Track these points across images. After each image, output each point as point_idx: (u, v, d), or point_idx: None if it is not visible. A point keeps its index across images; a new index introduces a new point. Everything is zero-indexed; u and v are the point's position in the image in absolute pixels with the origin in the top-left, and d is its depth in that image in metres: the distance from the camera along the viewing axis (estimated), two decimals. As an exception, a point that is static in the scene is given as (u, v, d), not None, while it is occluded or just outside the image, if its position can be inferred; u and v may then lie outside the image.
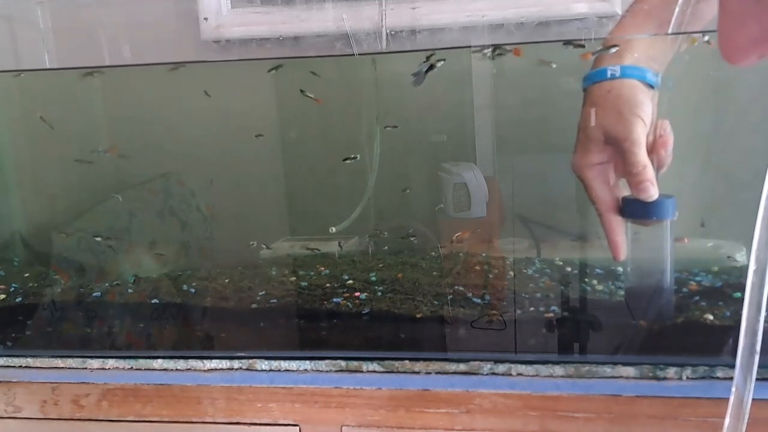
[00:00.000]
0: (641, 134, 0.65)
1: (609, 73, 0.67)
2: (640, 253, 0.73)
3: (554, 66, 0.88)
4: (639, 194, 0.66)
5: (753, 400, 0.69)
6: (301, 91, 1.00)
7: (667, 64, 0.70)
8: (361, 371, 0.79)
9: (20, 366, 0.86)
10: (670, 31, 0.68)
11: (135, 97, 1.15)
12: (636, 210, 0.68)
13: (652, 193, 0.66)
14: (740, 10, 0.33)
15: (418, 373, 0.78)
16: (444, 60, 0.87)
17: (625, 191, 0.70)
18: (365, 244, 1.09)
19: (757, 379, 0.71)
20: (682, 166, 1.01)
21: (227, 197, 1.19)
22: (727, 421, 0.52)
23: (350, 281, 0.96)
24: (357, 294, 0.92)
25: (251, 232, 1.16)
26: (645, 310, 0.78)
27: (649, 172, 0.66)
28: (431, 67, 0.90)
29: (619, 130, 0.65)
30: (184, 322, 0.95)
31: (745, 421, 0.53)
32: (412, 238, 1.07)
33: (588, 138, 0.68)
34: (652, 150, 0.67)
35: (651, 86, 0.68)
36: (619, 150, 0.66)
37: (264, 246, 1.11)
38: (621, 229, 0.70)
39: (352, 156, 1.04)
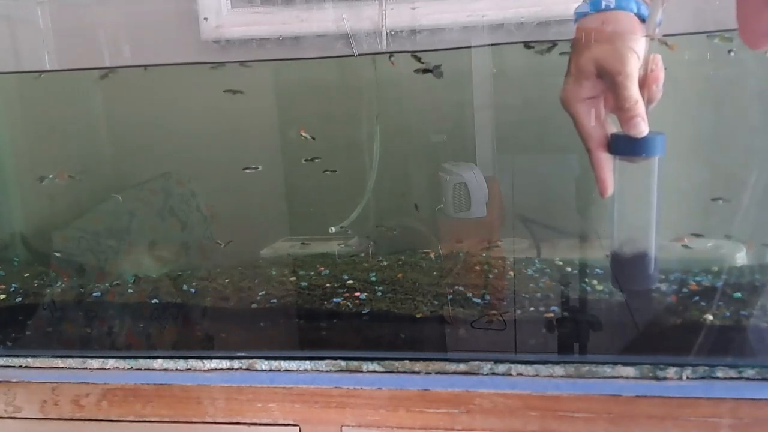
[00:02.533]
0: (634, 68, 0.64)
1: (604, 3, 0.65)
2: (627, 195, 0.71)
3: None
4: (629, 130, 0.64)
5: (753, 400, 0.70)
6: (302, 134, 1.01)
7: None
8: (361, 371, 0.79)
9: (20, 366, 0.86)
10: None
11: (135, 97, 1.15)
12: (625, 146, 0.66)
13: (643, 128, 0.64)
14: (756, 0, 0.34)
15: (418, 373, 0.78)
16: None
17: (613, 128, 0.68)
18: (365, 245, 1.09)
19: (756, 379, 0.72)
20: (683, 166, 1.02)
21: (227, 197, 1.18)
22: None
23: (350, 281, 0.96)
24: (357, 294, 0.92)
25: (251, 232, 1.16)
26: (629, 270, 0.75)
27: (641, 108, 0.64)
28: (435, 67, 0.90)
29: (613, 63, 0.64)
30: (184, 322, 0.95)
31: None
32: (395, 232, 1.07)
33: (580, 71, 0.66)
34: (643, 85, 0.65)
35: (644, 20, 0.67)
36: (611, 84, 0.65)
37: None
38: (609, 166, 0.68)
39: (315, 157, 1.04)
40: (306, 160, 1.04)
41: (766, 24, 0.34)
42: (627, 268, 0.73)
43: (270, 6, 1.10)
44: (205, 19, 1.11)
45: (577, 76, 0.66)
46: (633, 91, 0.63)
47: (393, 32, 0.92)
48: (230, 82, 1.09)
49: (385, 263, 1.03)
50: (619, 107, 0.64)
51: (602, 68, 0.64)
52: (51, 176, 1.12)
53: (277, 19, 1.09)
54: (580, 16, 0.68)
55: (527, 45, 0.94)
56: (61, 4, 1.10)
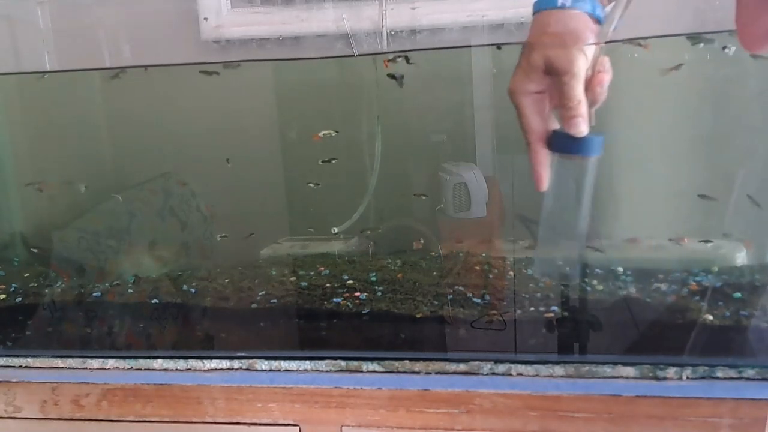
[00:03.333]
0: (582, 69, 0.65)
1: (560, 2, 0.66)
2: (564, 189, 0.72)
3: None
4: (570, 129, 0.66)
5: (753, 400, 0.69)
6: (320, 136, 1.02)
7: None
8: (361, 371, 0.79)
9: (20, 366, 0.86)
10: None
11: (135, 97, 1.15)
12: (564, 144, 0.67)
13: (583, 129, 0.65)
14: (756, 3, 0.34)
15: (418, 373, 0.78)
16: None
17: (556, 124, 0.69)
18: (365, 244, 1.09)
19: (756, 379, 0.72)
20: (683, 165, 1.02)
21: (227, 197, 1.18)
22: None
23: (350, 281, 0.96)
24: (357, 294, 0.92)
25: (251, 232, 1.16)
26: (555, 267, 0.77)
27: (583, 108, 0.65)
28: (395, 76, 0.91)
29: (562, 63, 0.65)
30: (184, 322, 0.95)
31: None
32: (379, 230, 1.07)
33: (529, 65, 0.67)
34: (588, 85, 0.66)
35: (598, 20, 0.68)
36: (557, 82, 0.66)
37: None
38: (546, 162, 0.69)
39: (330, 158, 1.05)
40: (323, 161, 1.04)
41: (764, 27, 0.35)
42: (553, 263, 0.75)
43: (270, 6, 1.10)
44: (205, 19, 1.11)
45: (527, 70, 0.67)
46: (578, 91, 0.65)
47: (393, 32, 0.92)
48: (230, 82, 1.09)
49: (388, 262, 1.03)
50: (563, 106, 0.65)
51: (551, 66, 0.65)
52: (36, 184, 1.13)
53: (277, 19, 1.09)
54: (537, 9, 0.69)
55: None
56: (61, 4, 1.10)
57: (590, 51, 0.66)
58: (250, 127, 1.14)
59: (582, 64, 0.64)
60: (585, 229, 0.74)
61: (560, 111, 0.66)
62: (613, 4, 0.68)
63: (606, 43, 0.67)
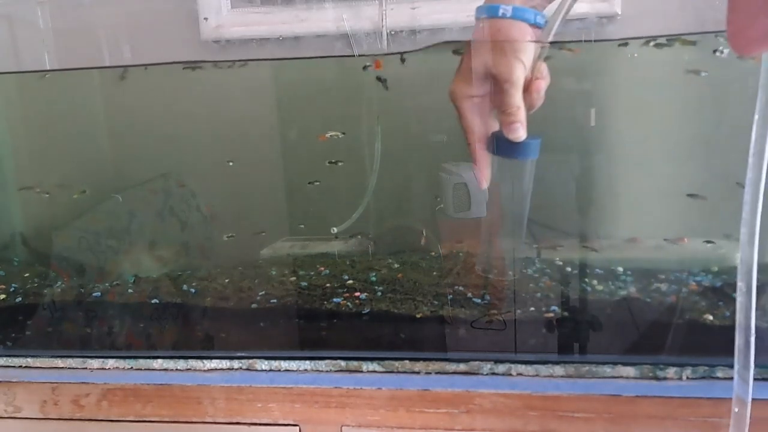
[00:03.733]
0: (520, 77, 0.68)
1: (501, 11, 0.68)
2: (502, 188, 0.77)
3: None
4: (508, 134, 0.69)
5: (753, 400, 0.69)
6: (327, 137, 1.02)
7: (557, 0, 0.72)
8: (361, 371, 0.79)
9: (20, 366, 0.86)
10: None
11: (134, 97, 1.15)
12: (503, 147, 0.71)
13: (521, 134, 0.68)
14: (751, 6, 0.34)
15: (418, 373, 0.78)
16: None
17: (497, 125, 0.72)
18: (366, 244, 1.09)
19: (756, 380, 0.72)
20: (683, 165, 1.01)
21: (227, 197, 1.18)
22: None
23: (350, 281, 0.96)
24: (357, 294, 0.92)
25: (251, 232, 1.16)
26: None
27: (521, 114, 0.68)
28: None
29: (501, 71, 0.67)
30: (184, 322, 0.95)
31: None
32: (358, 237, 1.08)
33: (470, 70, 0.70)
34: (526, 90, 0.69)
35: (538, 27, 0.70)
36: (497, 89, 0.69)
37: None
38: (487, 161, 0.72)
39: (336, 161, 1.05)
40: (330, 162, 1.05)
41: (758, 31, 0.35)
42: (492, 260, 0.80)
43: (270, 6, 1.10)
44: (205, 19, 1.11)
45: (467, 75, 0.70)
46: (516, 98, 0.68)
47: (393, 32, 0.92)
48: (229, 81, 1.09)
49: (389, 261, 1.03)
50: (502, 111, 0.69)
51: (491, 72, 0.68)
52: (31, 188, 1.13)
53: (277, 19, 1.09)
54: (479, 16, 0.71)
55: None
56: (61, 4, 1.10)
57: (528, 60, 0.68)
58: (249, 127, 1.14)
59: (520, 72, 0.67)
60: (523, 226, 0.79)
61: (499, 116, 0.69)
62: (554, 3, 0.70)
63: (547, 43, 0.70)
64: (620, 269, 0.95)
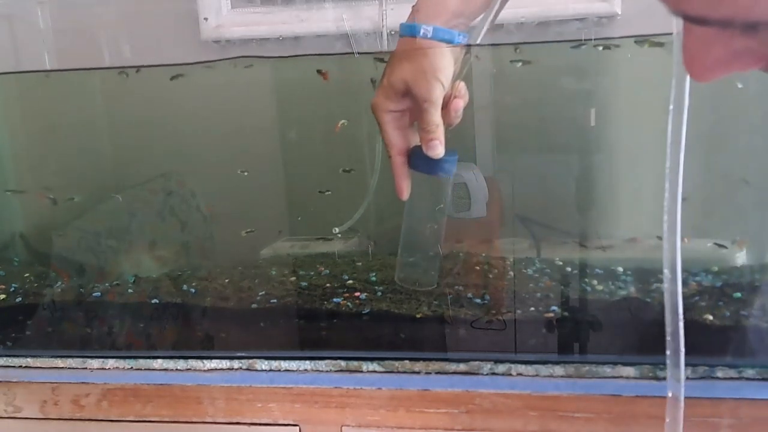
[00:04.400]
0: (439, 96, 0.69)
1: (421, 32, 0.70)
2: (422, 202, 0.78)
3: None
4: (427, 151, 0.70)
5: (753, 400, 0.69)
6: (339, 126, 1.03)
7: (478, 16, 0.74)
8: (361, 371, 0.79)
9: (20, 366, 0.86)
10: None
11: (134, 97, 1.15)
12: (421, 163, 0.73)
13: (439, 151, 0.70)
14: (704, 35, 0.34)
15: (418, 373, 0.78)
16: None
17: (417, 138, 0.73)
18: (366, 244, 1.09)
19: (756, 379, 0.72)
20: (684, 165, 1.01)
21: (227, 197, 1.18)
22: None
23: (350, 281, 0.96)
24: (357, 294, 0.92)
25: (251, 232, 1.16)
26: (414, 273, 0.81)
27: (440, 132, 0.70)
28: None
29: (420, 90, 0.69)
30: (184, 322, 0.94)
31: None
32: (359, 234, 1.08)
33: (391, 86, 0.71)
34: (444, 108, 0.71)
35: (458, 44, 0.72)
36: (416, 106, 0.71)
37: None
38: (406, 174, 0.74)
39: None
40: (343, 171, 1.05)
41: (714, 57, 0.34)
42: (412, 270, 0.81)
43: (270, 6, 1.10)
44: (205, 19, 1.11)
45: (387, 90, 0.72)
46: (435, 117, 0.69)
47: (393, 32, 0.92)
48: (229, 81, 1.09)
49: (390, 261, 1.03)
50: (421, 128, 0.70)
51: (410, 91, 0.70)
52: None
53: (277, 19, 1.09)
54: (402, 34, 0.72)
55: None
56: (61, 4, 1.10)
57: (448, 80, 0.70)
58: (249, 127, 1.14)
59: (439, 92, 0.69)
60: (441, 239, 0.80)
61: (419, 133, 0.71)
62: (480, 18, 0.73)
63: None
64: (620, 269, 0.95)
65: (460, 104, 0.72)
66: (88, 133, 1.21)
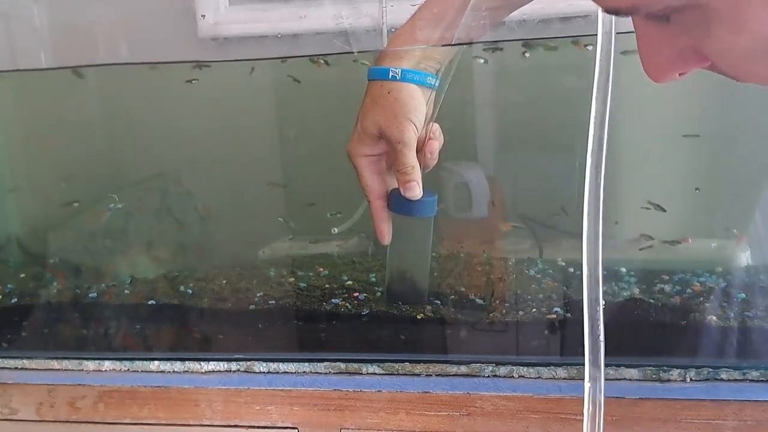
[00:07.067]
0: (412, 138, 0.70)
1: (390, 74, 0.70)
2: (405, 243, 0.80)
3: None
4: (405, 193, 0.71)
5: (757, 402, 0.69)
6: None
7: (448, 60, 0.74)
8: (361, 373, 0.78)
9: (16, 368, 0.85)
10: (455, 38, 0.72)
11: (131, 95, 1.14)
12: (401, 205, 0.73)
13: (417, 193, 0.71)
14: (653, 35, 0.35)
15: (418, 375, 0.77)
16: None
17: (395, 182, 0.74)
18: (366, 244, 1.08)
19: (760, 381, 0.71)
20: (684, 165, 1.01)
21: (226, 197, 1.18)
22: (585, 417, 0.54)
23: (349, 282, 0.95)
24: (356, 295, 0.91)
25: (250, 233, 1.15)
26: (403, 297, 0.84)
27: (416, 174, 0.71)
28: None
29: (393, 132, 0.69)
30: (181, 324, 0.94)
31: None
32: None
33: (364, 130, 0.72)
34: (419, 150, 0.72)
35: (429, 87, 0.72)
36: (390, 148, 0.71)
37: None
38: (386, 217, 0.75)
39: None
40: None
41: (665, 58, 0.35)
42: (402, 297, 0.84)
43: (268, 3, 1.09)
44: (203, 16, 1.10)
45: (361, 135, 0.72)
46: (410, 158, 0.70)
47: (393, 29, 0.91)
48: (228, 81, 1.09)
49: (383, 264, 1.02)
50: (397, 170, 0.71)
51: (383, 134, 0.70)
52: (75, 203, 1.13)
53: (275, 16, 1.08)
54: (371, 78, 0.73)
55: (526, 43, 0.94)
56: (57, 2, 1.09)
57: (420, 121, 0.70)
58: (248, 126, 1.14)
59: (412, 133, 0.69)
60: (427, 278, 0.83)
61: (396, 175, 0.72)
62: (449, 60, 0.73)
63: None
64: (623, 270, 0.94)
65: (435, 145, 0.73)
66: (87, 132, 1.21)
